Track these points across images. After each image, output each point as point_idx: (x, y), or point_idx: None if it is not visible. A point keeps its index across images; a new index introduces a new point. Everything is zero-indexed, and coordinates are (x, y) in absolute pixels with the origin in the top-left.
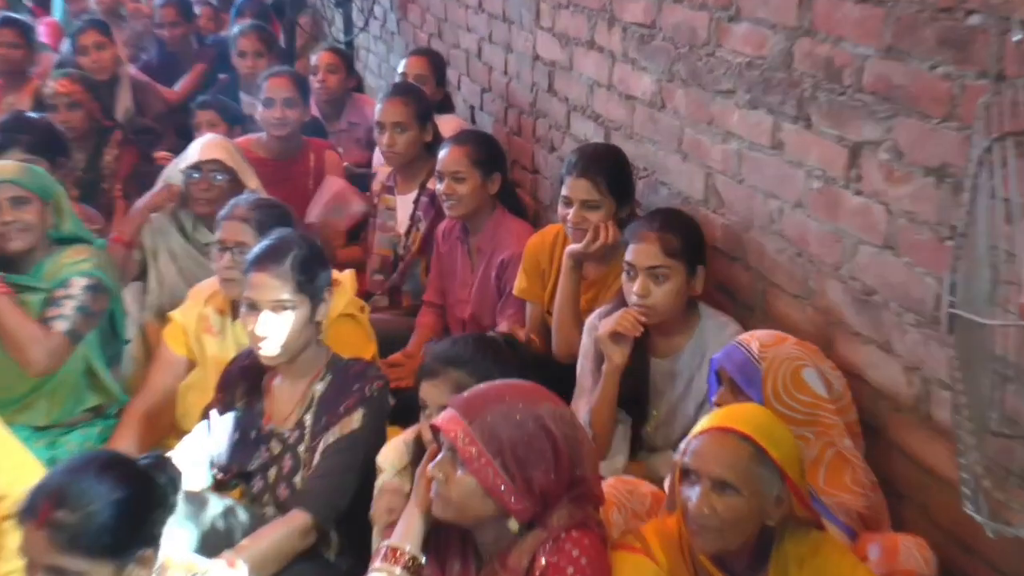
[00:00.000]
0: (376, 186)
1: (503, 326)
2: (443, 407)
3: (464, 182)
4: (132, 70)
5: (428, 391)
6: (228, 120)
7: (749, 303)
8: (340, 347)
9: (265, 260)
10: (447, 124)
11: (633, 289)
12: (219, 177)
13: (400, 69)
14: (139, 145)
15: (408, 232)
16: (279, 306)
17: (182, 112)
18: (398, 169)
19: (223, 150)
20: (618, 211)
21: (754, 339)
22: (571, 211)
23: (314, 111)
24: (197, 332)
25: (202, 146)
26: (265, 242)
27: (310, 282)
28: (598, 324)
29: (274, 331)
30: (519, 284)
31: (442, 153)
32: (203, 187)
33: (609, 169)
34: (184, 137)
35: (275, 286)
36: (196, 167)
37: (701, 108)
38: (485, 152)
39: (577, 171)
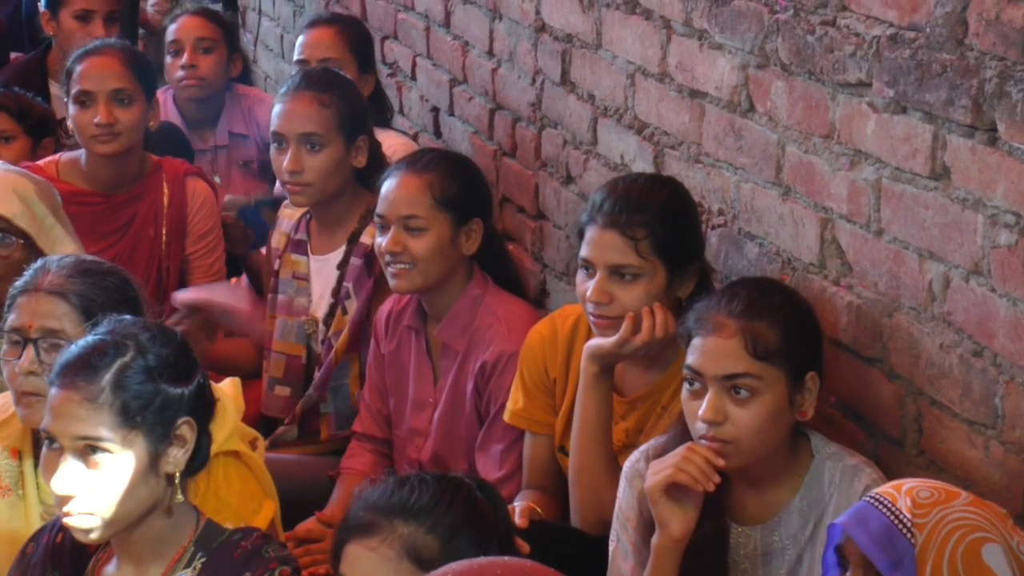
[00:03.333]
0: (276, 241)
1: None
2: None
3: (424, 234)
4: None
5: (357, 560)
6: (30, 129)
7: (895, 434)
8: (217, 507)
9: (70, 371)
10: (390, 142)
11: (701, 413)
12: (6, 242)
13: (297, 53)
14: None
15: (330, 316)
16: (87, 448)
17: None
18: (314, 212)
19: (16, 200)
20: (673, 285)
21: (902, 494)
22: (592, 283)
23: (170, 114)
24: None
25: None
26: (82, 340)
27: (145, 410)
28: (645, 470)
29: (83, 489)
30: (513, 405)
31: (388, 186)
32: None
33: (659, 214)
34: None
35: (81, 416)
36: None
37: (814, 112)
38: (461, 186)
39: (604, 217)
